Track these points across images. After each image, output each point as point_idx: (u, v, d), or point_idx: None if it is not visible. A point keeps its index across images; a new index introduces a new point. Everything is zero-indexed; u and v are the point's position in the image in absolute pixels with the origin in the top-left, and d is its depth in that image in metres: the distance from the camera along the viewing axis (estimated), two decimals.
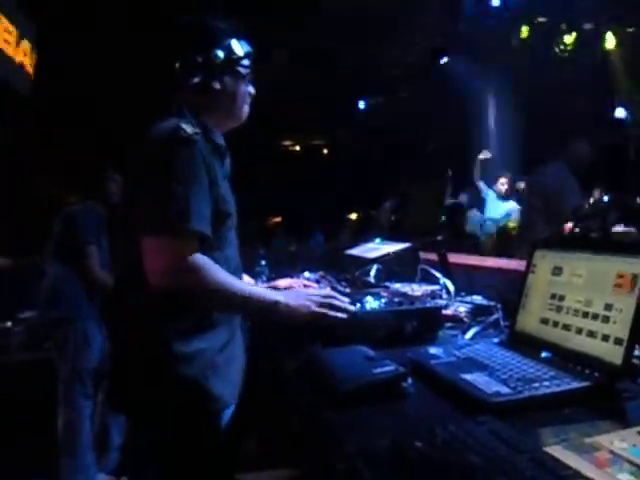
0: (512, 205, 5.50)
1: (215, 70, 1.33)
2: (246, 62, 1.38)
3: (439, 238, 2.04)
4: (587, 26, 6.93)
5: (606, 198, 3.06)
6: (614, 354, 1.02)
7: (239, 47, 1.37)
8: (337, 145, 10.54)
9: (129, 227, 1.23)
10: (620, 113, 6.25)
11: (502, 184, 5.66)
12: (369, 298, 1.52)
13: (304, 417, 1.27)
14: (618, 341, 1.02)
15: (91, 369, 2.81)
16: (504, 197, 5.66)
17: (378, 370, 1.06)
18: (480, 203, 5.91)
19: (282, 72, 6.59)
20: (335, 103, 8.39)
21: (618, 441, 0.84)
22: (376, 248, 2.17)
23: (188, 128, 1.19)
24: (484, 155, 5.96)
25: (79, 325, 2.82)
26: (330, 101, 8.26)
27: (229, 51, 1.35)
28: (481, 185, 5.94)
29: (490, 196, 5.80)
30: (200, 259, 1.16)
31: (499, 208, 5.61)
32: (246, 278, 1.76)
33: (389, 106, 8.50)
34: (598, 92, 6.84)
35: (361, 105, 8.89)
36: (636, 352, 1.10)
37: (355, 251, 2.26)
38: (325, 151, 11.28)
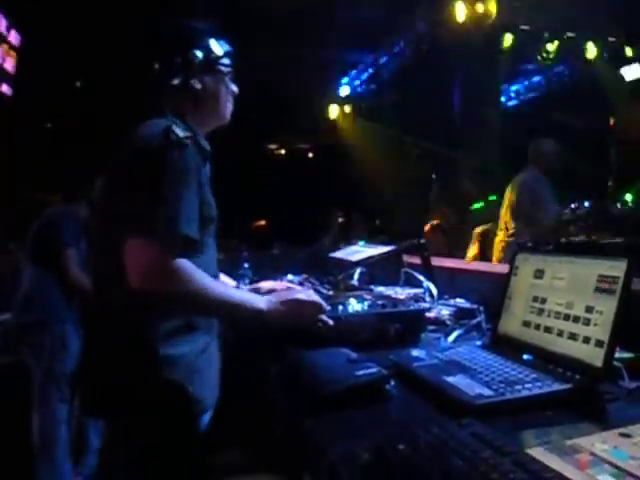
0: None
1: (194, 70, 1.32)
2: (226, 61, 1.38)
3: (422, 241, 2.05)
4: (569, 34, 7.04)
5: (587, 204, 3.11)
6: (595, 356, 1.03)
7: (218, 46, 1.36)
8: (322, 148, 10.55)
9: (110, 228, 1.21)
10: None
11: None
12: (352, 301, 1.52)
13: (287, 421, 1.25)
14: (599, 343, 1.03)
15: (68, 373, 2.75)
16: None
17: (361, 373, 1.06)
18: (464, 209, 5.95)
19: (266, 73, 6.59)
20: (318, 107, 8.42)
21: (599, 443, 0.84)
22: (360, 251, 2.17)
23: (179, 131, 1.17)
24: (470, 159, 6.02)
25: (56, 329, 2.76)
26: (315, 104, 8.28)
27: (208, 50, 1.34)
28: (470, 186, 5.98)
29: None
30: (184, 263, 1.15)
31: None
32: (227, 280, 1.74)
33: (373, 109, 8.54)
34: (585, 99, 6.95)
35: (347, 109, 8.91)
36: (617, 354, 1.11)
37: (339, 254, 2.26)
38: (310, 154, 11.29)
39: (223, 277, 1.70)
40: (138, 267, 1.11)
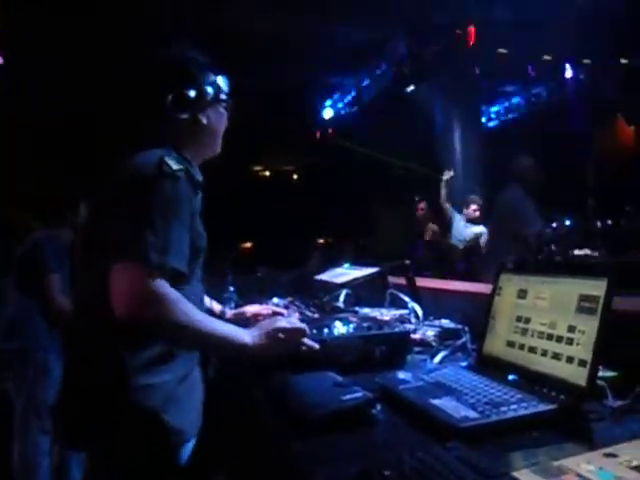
0: (481, 229, 5.57)
1: (205, 105, 1.33)
2: (227, 97, 1.40)
3: (407, 262, 2.06)
4: (546, 57, 7.23)
5: (568, 222, 3.16)
6: (579, 376, 1.03)
7: (223, 82, 1.39)
8: (306, 170, 10.62)
9: (96, 255, 1.20)
10: None
11: (474, 210, 5.70)
12: (338, 323, 1.51)
13: (273, 445, 1.24)
14: (582, 363, 1.04)
15: (50, 403, 2.69)
16: (473, 221, 5.72)
17: (347, 397, 1.05)
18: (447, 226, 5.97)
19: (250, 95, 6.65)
20: (302, 129, 8.50)
21: (585, 464, 0.84)
22: (345, 273, 2.17)
23: (172, 163, 1.17)
24: (448, 175, 6.04)
25: (39, 356, 2.71)
26: (298, 127, 8.35)
27: (216, 86, 1.36)
28: (449, 207, 6.01)
29: (457, 218, 5.87)
30: (171, 293, 1.13)
31: (467, 230, 5.67)
32: (213, 304, 1.73)
33: (356, 130, 8.63)
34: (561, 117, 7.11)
35: (330, 131, 9.00)
36: (600, 373, 1.12)
37: (324, 276, 2.26)
38: (295, 176, 11.35)
39: (209, 301, 1.69)
40: (124, 294, 1.10)
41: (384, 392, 1.17)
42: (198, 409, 1.29)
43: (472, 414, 0.98)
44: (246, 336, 1.24)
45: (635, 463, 0.84)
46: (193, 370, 1.30)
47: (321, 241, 7.57)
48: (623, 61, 7.47)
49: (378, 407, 1.07)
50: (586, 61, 7.55)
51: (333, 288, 2.06)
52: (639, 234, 4.13)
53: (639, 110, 7.58)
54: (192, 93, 1.31)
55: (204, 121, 1.34)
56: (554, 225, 3.22)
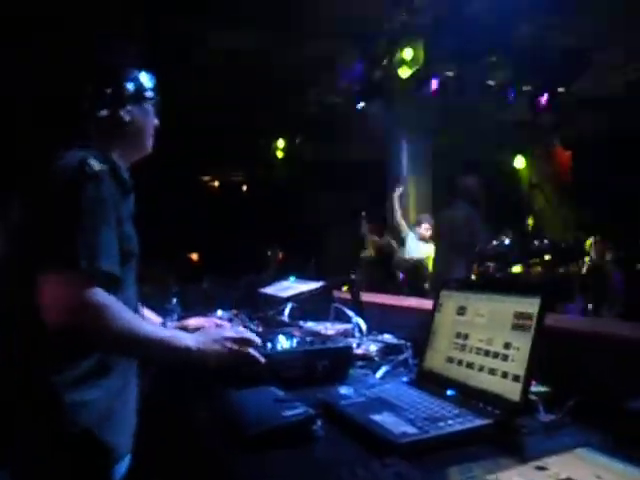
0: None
1: (125, 102, 1.30)
2: (152, 94, 1.37)
3: (352, 277, 2.07)
4: (490, 82, 7.55)
5: (507, 241, 3.29)
6: (513, 391, 1.06)
7: (147, 79, 1.35)
8: (257, 181, 10.57)
9: (22, 262, 1.14)
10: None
11: (426, 229, 5.77)
12: (281, 337, 1.50)
13: (211, 463, 1.21)
14: (516, 378, 1.07)
15: None
16: (425, 240, 5.81)
17: (287, 413, 1.04)
18: (400, 242, 6.04)
19: (201, 104, 6.58)
20: (255, 140, 8.47)
21: (517, 477, 0.87)
22: (290, 287, 2.17)
23: (95, 164, 1.14)
24: (399, 191, 6.13)
25: None
26: (250, 137, 8.32)
27: (138, 83, 1.33)
28: (402, 224, 6.07)
29: (411, 236, 5.95)
30: (105, 298, 1.09)
31: (420, 248, 5.75)
32: (152, 317, 1.68)
33: (307, 146, 8.70)
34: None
35: (280, 144, 9.02)
36: (533, 388, 1.16)
37: (269, 290, 2.24)
38: (244, 187, 11.28)
39: (148, 313, 1.64)
40: (57, 306, 1.05)
41: (325, 407, 1.17)
42: (133, 424, 1.25)
43: (411, 430, 0.99)
44: (190, 340, 1.21)
45: (563, 475, 0.87)
46: (129, 383, 1.25)
47: (280, 254, 7.52)
48: (560, 89, 7.91)
49: (319, 423, 1.06)
50: (526, 88, 7.93)
51: (278, 302, 2.05)
52: (573, 252, 4.38)
53: (575, 136, 8.01)
54: (109, 90, 1.28)
55: (127, 119, 1.31)
56: (494, 243, 3.34)
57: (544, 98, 7.94)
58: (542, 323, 1.07)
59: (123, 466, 1.19)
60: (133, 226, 1.26)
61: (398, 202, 6.00)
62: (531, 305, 1.09)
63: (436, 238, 4.22)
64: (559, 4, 4.86)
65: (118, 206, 1.18)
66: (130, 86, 1.31)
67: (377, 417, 1.05)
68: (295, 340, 1.50)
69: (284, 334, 1.57)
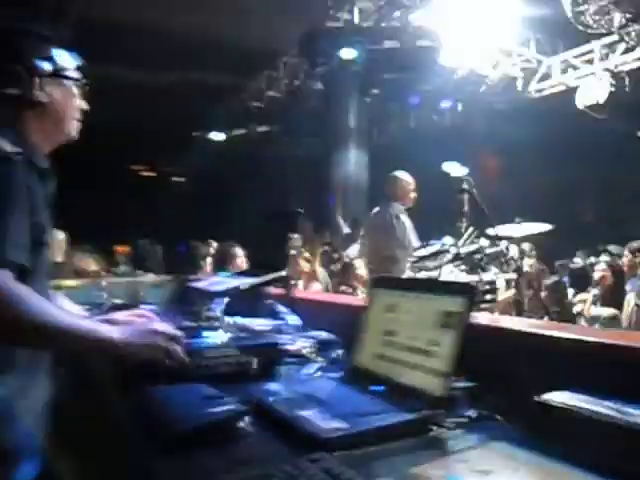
0: None
1: (38, 81, 1.22)
2: (75, 74, 1.30)
3: (286, 273, 2.07)
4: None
5: (440, 241, 3.40)
6: (436, 387, 1.10)
7: (68, 58, 1.28)
8: (193, 174, 10.35)
9: None
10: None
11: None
12: (212, 333, 1.48)
13: (133, 462, 1.17)
14: (440, 374, 1.11)
15: None
16: None
17: (213, 410, 1.02)
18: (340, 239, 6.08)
19: (137, 98, 6.36)
20: (190, 132, 8.29)
21: (437, 470, 0.90)
22: (223, 282, 2.14)
23: (6, 146, 1.07)
24: (340, 190, 6.19)
25: None
26: (186, 130, 8.13)
27: (55, 61, 1.25)
28: (341, 223, 6.12)
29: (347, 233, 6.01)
30: (19, 288, 1.03)
31: (355, 247, 5.82)
32: (76, 309, 1.60)
33: (247, 139, 8.61)
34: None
35: (218, 136, 8.87)
36: (457, 384, 1.20)
37: (201, 284, 2.20)
38: (180, 179, 11.01)
39: (70, 306, 1.57)
40: None
41: (255, 404, 1.16)
42: (39, 425, 1.18)
43: (338, 425, 1.00)
44: (115, 332, 1.16)
45: (480, 468, 0.91)
46: (36, 381, 1.18)
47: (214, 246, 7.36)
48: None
49: (247, 420, 1.05)
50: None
51: (210, 297, 2.02)
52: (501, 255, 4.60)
53: (501, 142, 8.40)
54: (21, 67, 1.19)
55: (43, 99, 1.23)
56: (425, 244, 3.44)
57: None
58: (466, 321, 1.11)
59: (27, 469, 1.12)
60: (49, 215, 1.19)
61: (340, 201, 6.07)
62: (457, 304, 1.14)
63: (366, 237, 4.28)
64: None
65: (32, 192, 1.11)
66: (46, 64, 1.23)
67: (306, 413, 1.06)
68: (227, 336, 1.48)
69: (215, 330, 1.54)
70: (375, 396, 1.17)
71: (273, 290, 2.24)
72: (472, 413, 1.12)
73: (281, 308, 1.98)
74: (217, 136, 8.82)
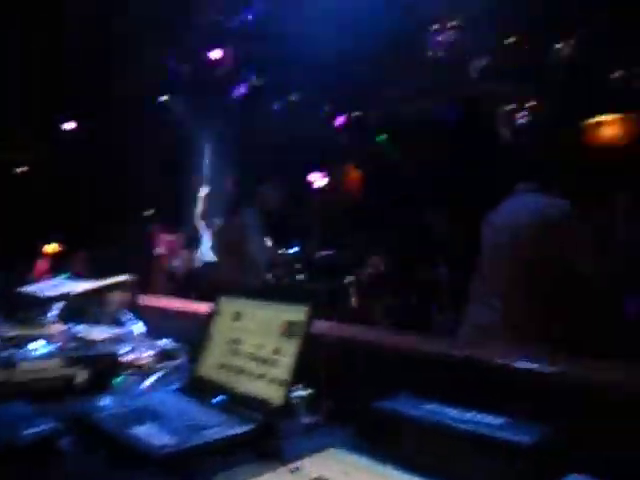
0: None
1: None
2: None
3: (131, 278, 1.95)
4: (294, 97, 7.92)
5: (292, 250, 3.46)
6: (277, 395, 1.09)
7: None
8: (37, 163, 9.39)
9: None
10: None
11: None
12: (36, 344, 1.33)
13: None
14: (282, 383, 1.11)
15: None
16: None
17: (28, 431, 0.91)
18: (196, 242, 5.91)
19: None
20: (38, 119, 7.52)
21: None
22: (59, 285, 1.94)
23: None
24: (204, 192, 6.03)
25: None
26: (33, 115, 7.36)
27: None
28: (201, 225, 5.95)
29: (205, 239, 5.86)
30: None
31: (211, 252, 5.69)
32: None
33: (100, 132, 8.02)
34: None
35: (68, 125, 8.16)
36: (299, 392, 1.21)
37: (32, 288, 1.98)
38: (24, 168, 9.92)
39: None
40: None
41: (78, 421, 1.06)
42: None
43: (171, 440, 0.95)
44: None
45: (314, 475, 0.92)
46: None
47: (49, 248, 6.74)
48: (356, 113, 8.69)
49: (68, 439, 0.95)
50: (326, 107, 8.52)
51: (42, 302, 1.82)
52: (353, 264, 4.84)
53: (367, 157, 8.86)
54: None
55: None
56: (280, 252, 3.48)
57: (341, 119, 8.65)
58: (309, 330, 1.12)
59: None
60: None
61: (203, 202, 5.91)
62: (300, 312, 1.14)
63: (219, 243, 4.21)
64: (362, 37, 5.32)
65: None
66: None
67: (136, 429, 0.99)
68: (54, 346, 1.34)
69: (43, 339, 1.39)
70: (215, 408, 1.13)
71: (119, 296, 2.10)
72: (310, 420, 1.13)
73: (125, 315, 1.85)
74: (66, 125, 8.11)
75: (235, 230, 3.90)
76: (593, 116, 5.18)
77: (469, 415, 0.94)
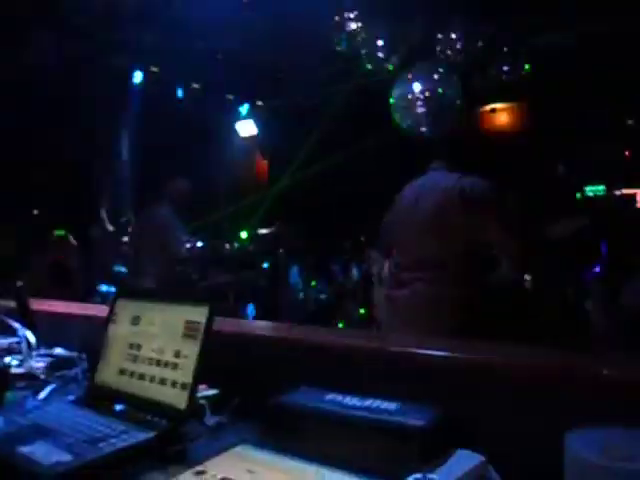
0: None
1: None
2: None
3: (19, 283, 1.81)
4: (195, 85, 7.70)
5: (200, 244, 3.39)
6: (180, 399, 1.07)
7: None
8: None
9: None
10: None
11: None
12: None
13: None
14: (184, 386, 1.09)
15: None
16: None
17: None
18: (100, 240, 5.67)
19: None
20: None
21: None
22: None
23: None
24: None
25: None
26: None
27: None
28: (105, 220, 5.73)
29: (112, 233, 5.65)
30: None
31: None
32: None
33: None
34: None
35: None
36: (204, 393, 1.20)
37: None
38: None
39: None
40: None
41: None
42: None
43: (65, 457, 0.90)
44: None
45: (219, 476, 0.91)
46: None
47: None
48: (259, 103, 8.63)
49: None
50: (229, 96, 8.36)
51: None
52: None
53: (270, 146, 8.83)
54: None
55: None
56: (188, 246, 3.41)
57: (244, 108, 8.56)
58: (209, 330, 1.10)
59: None
60: None
61: (106, 199, 5.69)
62: (200, 313, 1.12)
63: (132, 238, 4.06)
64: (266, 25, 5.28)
65: None
66: None
67: (26, 448, 0.93)
68: None
69: None
70: (114, 416, 1.09)
71: (4, 302, 1.94)
72: (215, 421, 1.13)
73: (13, 323, 1.72)
74: None
75: (153, 225, 3.78)
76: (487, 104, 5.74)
77: (367, 402, 0.98)
